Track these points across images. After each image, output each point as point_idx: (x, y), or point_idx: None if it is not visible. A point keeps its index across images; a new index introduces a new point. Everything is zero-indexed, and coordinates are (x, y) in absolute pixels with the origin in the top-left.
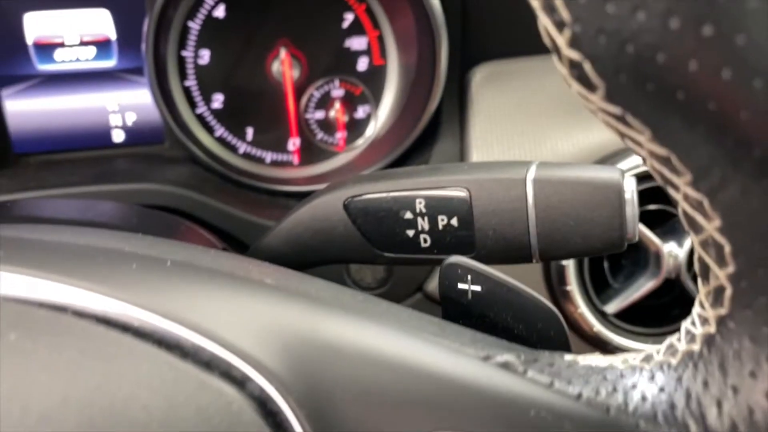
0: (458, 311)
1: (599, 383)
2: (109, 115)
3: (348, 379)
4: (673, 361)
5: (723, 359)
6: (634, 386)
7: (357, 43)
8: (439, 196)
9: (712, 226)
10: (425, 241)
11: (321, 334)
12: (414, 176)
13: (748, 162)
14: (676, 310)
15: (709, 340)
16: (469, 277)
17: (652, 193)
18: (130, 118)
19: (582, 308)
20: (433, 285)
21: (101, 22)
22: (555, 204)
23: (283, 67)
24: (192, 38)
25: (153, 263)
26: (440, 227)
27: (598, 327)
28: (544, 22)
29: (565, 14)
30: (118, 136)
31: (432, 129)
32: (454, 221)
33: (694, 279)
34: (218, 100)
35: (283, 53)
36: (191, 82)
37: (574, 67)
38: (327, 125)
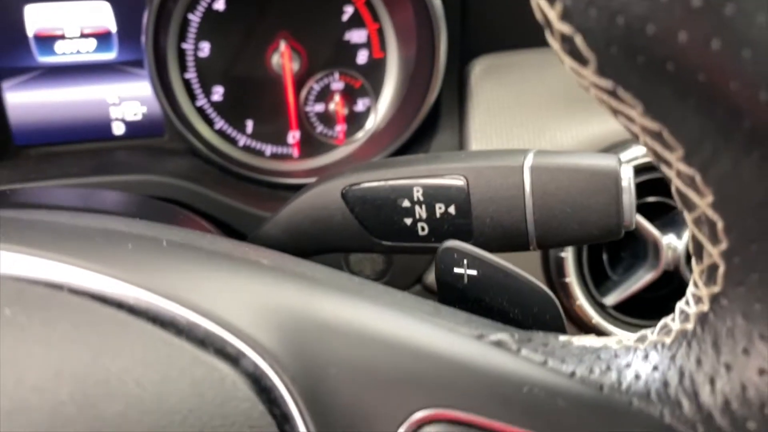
0: (454, 295)
1: (593, 362)
2: (109, 108)
3: (342, 356)
4: (667, 341)
5: (716, 337)
6: (627, 365)
7: (357, 35)
8: (436, 185)
9: (704, 203)
10: (423, 229)
11: (316, 311)
12: (412, 164)
13: (738, 133)
14: (675, 302)
15: (702, 319)
16: (465, 261)
17: (650, 185)
18: (130, 111)
19: (581, 300)
20: (432, 276)
21: (102, 15)
22: (552, 191)
23: (283, 59)
24: (192, 31)
25: (149, 243)
26: (438, 215)
27: (596, 319)
28: None
29: None
30: (118, 129)
31: (431, 121)
32: (452, 209)
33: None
34: (218, 93)
35: (282, 46)
36: (191, 75)
37: (566, 41)
38: (327, 118)
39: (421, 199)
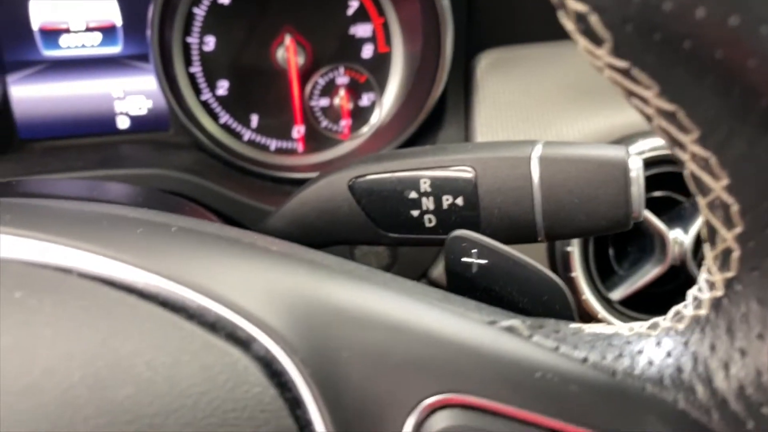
0: (463, 285)
1: (605, 349)
2: (114, 102)
3: (354, 340)
4: (680, 327)
5: (730, 322)
6: (640, 351)
7: (362, 30)
8: (444, 176)
9: (719, 185)
10: (430, 221)
11: (327, 295)
12: (419, 156)
13: (755, 114)
14: (681, 297)
15: (716, 304)
16: (474, 250)
17: (658, 179)
18: (135, 105)
19: (587, 295)
20: (437, 271)
21: (107, 8)
22: (560, 182)
23: (288, 54)
24: (197, 24)
25: (158, 228)
26: (445, 207)
27: (603, 314)
28: None
29: None
30: (123, 123)
31: (437, 116)
32: (459, 200)
33: (700, 266)
34: (223, 87)
35: (287, 40)
36: (196, 69)
37: (581, 21)
38: (331, 113)
39: (429, 190)
